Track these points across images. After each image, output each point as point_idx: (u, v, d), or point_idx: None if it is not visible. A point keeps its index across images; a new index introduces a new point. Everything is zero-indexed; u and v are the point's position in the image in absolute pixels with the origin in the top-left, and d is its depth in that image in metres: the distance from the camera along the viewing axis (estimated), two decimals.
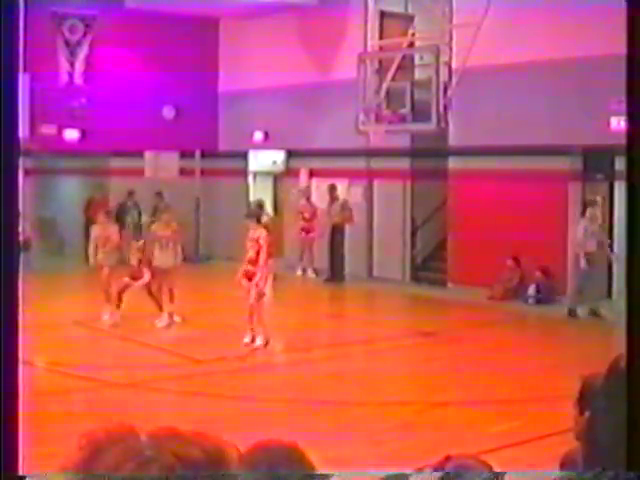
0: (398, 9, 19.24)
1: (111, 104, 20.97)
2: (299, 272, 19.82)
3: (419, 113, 16.60)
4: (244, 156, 22.79)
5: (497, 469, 2.25)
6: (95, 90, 20.94)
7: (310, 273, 19.79)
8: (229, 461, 1.18)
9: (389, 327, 15.27)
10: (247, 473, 1.17)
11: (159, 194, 21.63)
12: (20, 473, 1.50)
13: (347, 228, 19.53)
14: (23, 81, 18.16)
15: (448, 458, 2.20)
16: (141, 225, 21.63)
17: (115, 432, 1.18)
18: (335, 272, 19.19)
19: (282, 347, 12.85)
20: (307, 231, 19.63)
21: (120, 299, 13.94)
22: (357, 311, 16.24)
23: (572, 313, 15.03)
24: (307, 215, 19.61)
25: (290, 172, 21.53)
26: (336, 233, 19.34)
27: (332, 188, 19.66)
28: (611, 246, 15.72)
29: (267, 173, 23.28)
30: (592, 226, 15.03)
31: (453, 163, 17.93)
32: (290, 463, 1.19)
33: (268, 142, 21.96)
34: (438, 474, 2.15)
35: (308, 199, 19.84)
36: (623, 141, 1.53)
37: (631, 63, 1.50)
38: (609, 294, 16.18)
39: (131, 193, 21.70)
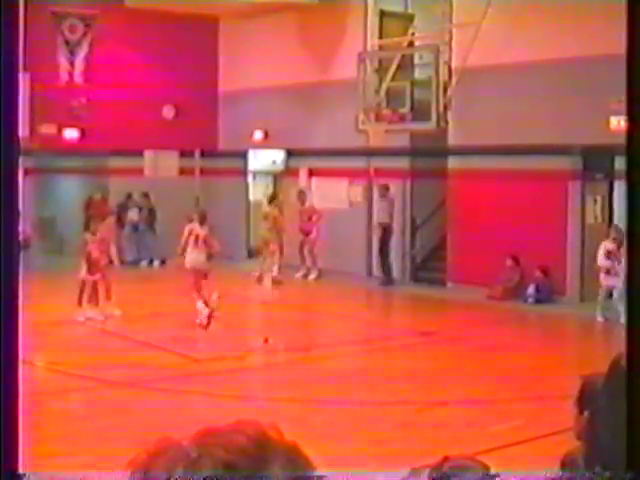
0: (398, 8, 19.25)
1: (111, 104, 20.97)
2: (299, 275, 19.48)
3: (419, 112, 16.61)
4: (244, 155, 22.80)
5: (496, 469, 2.25)
6: (95, 90, 20.94)
7: (312, 276, 19.55)
8: (273, 442, 1.19)
9: (389, 326, 15.29)
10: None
11: (146, 195, 21.65)
12: (20, 472, 1.50)
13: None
14: (23, 81, 18.17)
15: (446, 459, 2.21)
16: (138, 226, 21.65)
17: (157, 447, 1.18)
18: (387, 274, 18.83)
19: (282, 346, 12.85)
20: (306, 233, 19.59)
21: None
22: (357, 311, 16.23)
23: None
24: (305, 217, 19.57)
25: (290, 171, 21.54)
26: (383, 234, 18.85)
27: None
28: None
29: (267, 172, 23.29)
30: None
31: (453, 163, 17.93)
32: (289, 462, 1.19)
33: (268, 141, 21.96)
34: (436, 474, 2.16)
35: (303, 202, 19.78)
36: (623, 141, 1.53)
37: (631, 63, 1.50)
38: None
39: (130, 195, 21.72)
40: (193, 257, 13.97)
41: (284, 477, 1.16)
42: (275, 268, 18.82)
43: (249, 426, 1.20)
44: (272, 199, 19.49)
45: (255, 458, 1.15)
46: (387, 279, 18.55)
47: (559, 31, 15.68)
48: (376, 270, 19.44)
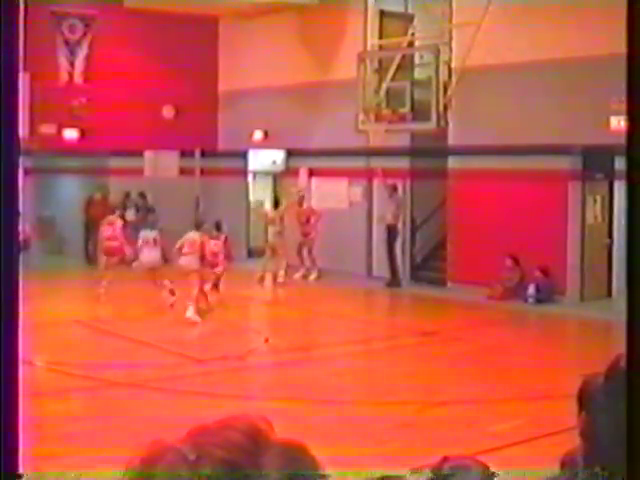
0: (398, 8, 19.25)
1: (111, 104, 20.97)
2: (298, 275, 19.42)
3: (419, 112, 16.61)
4: (244, 155, 22.80)
5: (496, 469, 2.25)
6: (95, 90, 20.94)
7: (312, 277, 19.49)
8: (265, 434, 1.18)
9: (389, 327, 15.28)
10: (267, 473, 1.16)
11: (142, 195, 21.63)
12: (20, 472, 1.50)
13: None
14: (23, 81, 18.16)
15: (446, 459, 2.20)
16: (136, 225, 21.65)
17: (152, 452, 1.17)
18: (394, 276, 18.65)
19: (282, 346, 12.84)
20: (305, 234, 19.58)
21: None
22: (357, 311, 16.23)
23: None
24: (303, 218, 19.55)
25: (290, 171, 21.54)
26: (389, 234, 18.72)
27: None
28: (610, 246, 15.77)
29: (267, 172, 23.30)
30: None
31: (453, 163, 17.93)
32: (284, 453, 1.18)
33: (268, 141, 21.96)
34: (435, 475, 2.15)
35: (301, 204, 19.76)
36: (623, 141, 1.53)
37: (631, 62, 1.50)
38: (609, 293, 16.21)
39: (128, 195, 21.71)
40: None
41: (285, 476, 1.15)
42: (282, 273, 18.86)
43: (239, 421, 1.18)
44: (277, 204, 19.49)
45: (252, 452, 1.14)
46: (394, 280, 18.51)
47: (559, 31, 15.68)
48: (376, 270, 19.44)
